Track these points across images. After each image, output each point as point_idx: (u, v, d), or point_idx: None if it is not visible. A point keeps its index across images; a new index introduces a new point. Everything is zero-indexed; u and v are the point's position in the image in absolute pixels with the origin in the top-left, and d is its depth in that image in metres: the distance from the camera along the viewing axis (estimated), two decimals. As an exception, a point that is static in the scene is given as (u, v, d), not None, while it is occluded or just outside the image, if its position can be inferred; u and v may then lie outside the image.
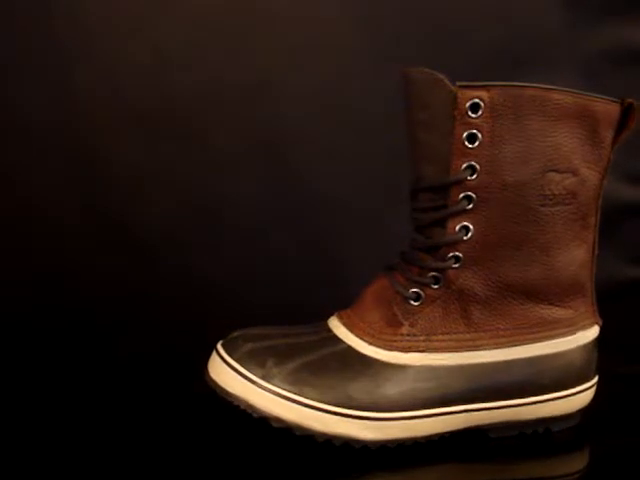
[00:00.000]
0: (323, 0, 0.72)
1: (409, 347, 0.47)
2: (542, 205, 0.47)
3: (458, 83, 0.45)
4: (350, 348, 0.47)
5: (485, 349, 0.48)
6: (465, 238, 0.47)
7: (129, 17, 0.72)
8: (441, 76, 0.45)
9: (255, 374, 0.46)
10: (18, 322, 0.66)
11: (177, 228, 0.74)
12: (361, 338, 0.47)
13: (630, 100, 0.48)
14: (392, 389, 0.46)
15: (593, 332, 0.51)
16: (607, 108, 0.48)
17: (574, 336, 0.50)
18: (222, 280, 0.72)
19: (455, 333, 0.48)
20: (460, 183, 0.46)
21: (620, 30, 0.73)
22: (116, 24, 0.72)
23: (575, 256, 0.49)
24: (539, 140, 0.46)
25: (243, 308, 0.68)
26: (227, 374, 0.47)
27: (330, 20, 0.72)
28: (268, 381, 0.46)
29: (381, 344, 0.47)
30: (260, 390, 0.46)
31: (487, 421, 0.48)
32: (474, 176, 0.46)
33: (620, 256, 0.75)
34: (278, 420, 0.45)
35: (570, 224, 0.48)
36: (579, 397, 0.50)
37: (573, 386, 0.49)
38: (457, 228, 0.47)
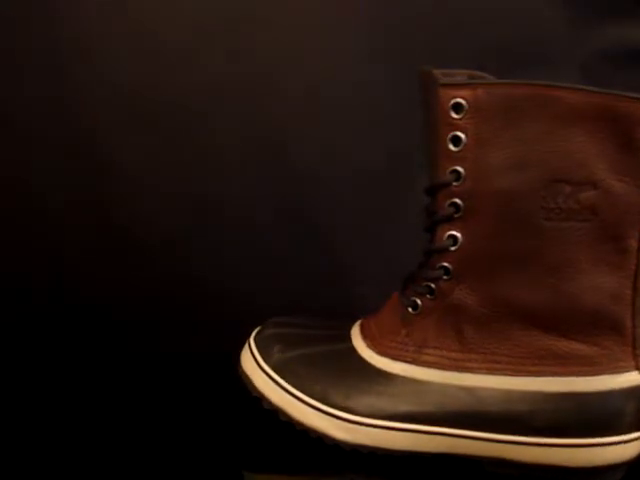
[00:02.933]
0: (323, 0, 0.72)
1: (398, 355, 0.46)
2: (546, 219, 0.41)
3: (441, 81, 0.42)
4: (352, 348, 0.48)
5: (477, 373, 0.44)
6: (453, 248, 0.44)
7: (129, 17, 0.72)
8: (437, 75, 0.43)
9: (262, 356, 0.49)
10: (18, 322, 0.66)
11: (177, 228, 0.73)
12: (364, 340, 0.48)
13: None
14: (372, 395, 0.45)
15: (629, 379, 0.43)
16: None
17: (595, 378, 0.43)
18: (222, 280, 0.72)
19: (447, 350, 0.45)
20: (445, 188, 0.43)
21: (620, 30, 0.73)
22: (116, 24, 0.72)
23: (601, 284, 0.42)
24: (541, 145, 0.41)
25: (243, 308, 0.68)
26: (245, 353, 0.51)
27: (330, 20, 0.72)
28: (267, 364, 0.48)
29: (377, 349, 0.47)
30: (259, 371, 0.48)
31: (478, 452, 0.44)
32: (460, 182, 0.43)
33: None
34: (267, 402, 0.47)
35: (590, 245, 0.42)
36: (595, 451, 0.43)
37: (585, 436, 0.42)
38: (445, 237, 0.44)
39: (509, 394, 0.43)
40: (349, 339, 0.49)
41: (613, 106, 0.40)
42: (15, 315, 0.67)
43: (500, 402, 0.43)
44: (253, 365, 0.49)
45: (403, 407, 0.45)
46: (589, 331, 0.43)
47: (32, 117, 0.73)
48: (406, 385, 0.45)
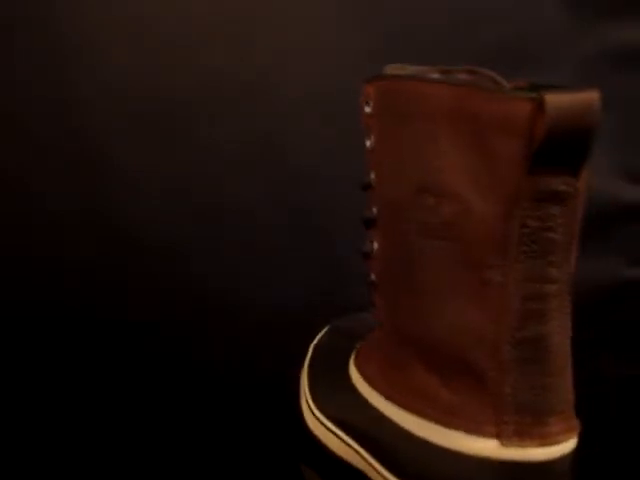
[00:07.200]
0: (323, 0, 0.72)
1: (357, 363, 0.44)
2: (417, 234, 0.35)
3: (365, 78, 0.39)
4: (353, 348, 0.48)
5: (380, 394, 0.39)
6: (372, 255, 0.39)
7: (129, 17, 0.72)
8: (387, 69, 0.39)
9: (318, 338, 0.51)
10: (17, 323, 0.66)
11: (177, 228, 0.73)
12: (361, 343, 0.48)
13: (543, 95, 0.29)
14: (333, 395, 0.45)
15: (485, 447, 0.33)
16: (502, 107, 0.30)
17: (451, 432, 0.34)
18: (222, 280, 0.72)
19: (375, 366, 0.41)
20: (365, 190, 0.40)
21: (620, 30, 0.73)
22: (116, 24, 0.72)
23: (463, 320, 0.33)
24: (412, 149, 0.34)
25: (243, 308, 0.68)
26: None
27: (330, 19, 0.72)
28: (312, 346, 0.51)
29: (356, 353, 0.46)
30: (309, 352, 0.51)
31: None
32: (372, 186, 0.39)
33: (620, 257, 0.75)
34: (297, 380, 0.49)
35: (452, 271, 0.33)
36: None
37: None
38: (368, 241, 0.40)
39: (392, 428, 0.38)
40: (361, 339, 0.48)
41: (467, 103, 0.31)
42: (15, 317, 0.67)
43: (386, 433, 0.38)
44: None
45: (341, 414, 0.43)
46: (451, 376, 0.35)
47: (32, 118, 0.73)
48: (351, 394, 0.42)
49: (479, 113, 0.31)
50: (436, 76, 0.35)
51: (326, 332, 0.51)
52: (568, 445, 0.33)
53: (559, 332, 0.33)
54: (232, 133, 0.73)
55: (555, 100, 0.29)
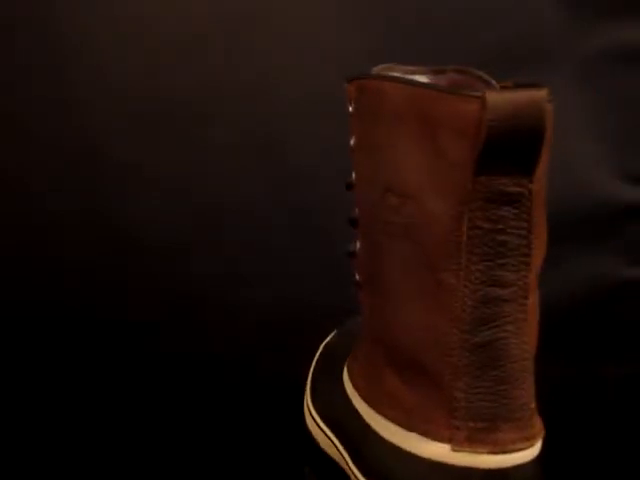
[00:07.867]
0: (323, 0, 0.72)
1: (347, 364, 0.43)
2: (384, 234, 0.34)
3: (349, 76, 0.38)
4: (352, 346, 0.48)
5: (358, 393, 0.39)
6: (356, 255, 0.39)
7: (129, 17, 0.72)
8: (375, 69, 0.38)
9: (333, 334, 0.50)
10: (17, 323, 0.66)
11: (177, 228, 0.73)
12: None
13: (485, 93, 0.28)
14: (329, 396, 0.44)
15: (437, 451, 0.32)
16: (451, 107, 0.29)
17: (408, 434, 0.34)
18: (222, 280, 0.72)
19: (358, 367, 0.40)
20: (349, 190, 0.39)
21: (620, 30, 0.73)
22: (116, 24, 0.72)
23: (416, 320, 0.33)
24: (378, 149, 0.34)
25: (243, 309, 0.68)
26: None
27: (330, 20, 0.72)
28: (324, 343, 0.50)
29: (351, 354, 0.45)
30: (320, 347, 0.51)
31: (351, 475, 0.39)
32: (353, 185, 0.38)
33: (620, 257, 0.75)
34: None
35: (411, 272, 0.33)
36: None
37: None
38: (355, 240, 0.39)
39: (363, 427, 0.37)
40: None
41: (420, 103, 0.31)
42: (15, 317, 0.67)
43: (358, 432, 0.38)
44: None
45: (334, 415, 0.42)
46: (410, 376, 0.34)
47: (32, 118, 0.73)
48: (341, 394, 0.42)
49: (431, 113, 0.30)
50: (399, 76, 0.35)
51: (335, 333, 0.51)
52: (525, 454, 0.32)
53: (515, 338, 0.31)
54: (232, 133, 0.73)
55: (496, 99, 0.28)
